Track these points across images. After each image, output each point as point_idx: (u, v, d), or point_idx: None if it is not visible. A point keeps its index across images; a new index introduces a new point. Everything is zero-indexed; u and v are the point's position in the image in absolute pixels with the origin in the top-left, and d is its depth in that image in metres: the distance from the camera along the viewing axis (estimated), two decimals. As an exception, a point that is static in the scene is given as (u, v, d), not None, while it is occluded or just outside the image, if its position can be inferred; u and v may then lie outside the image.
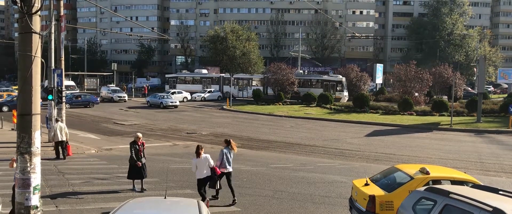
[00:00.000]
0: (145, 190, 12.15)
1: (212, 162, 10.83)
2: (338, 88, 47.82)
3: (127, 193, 11.78)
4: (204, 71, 58.40)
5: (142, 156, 12.15)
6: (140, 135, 12.57)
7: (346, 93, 47.88)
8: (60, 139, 17.09)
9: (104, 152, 19.75)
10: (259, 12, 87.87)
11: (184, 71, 65.40)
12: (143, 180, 12.26)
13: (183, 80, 58.30)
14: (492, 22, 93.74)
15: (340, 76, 49.60)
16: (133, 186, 12.26)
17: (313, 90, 47.06)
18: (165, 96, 44.52)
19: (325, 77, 50.36)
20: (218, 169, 10.91)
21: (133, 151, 12.02)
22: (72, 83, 54.53)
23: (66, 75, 42.09)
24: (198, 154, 10.77)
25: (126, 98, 50.17)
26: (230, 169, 11.29)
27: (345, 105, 40.15)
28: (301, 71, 54.77)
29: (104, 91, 51.86)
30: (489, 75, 70.09)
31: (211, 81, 56.13)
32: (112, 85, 60.54)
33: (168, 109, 41.43)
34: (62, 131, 17.22)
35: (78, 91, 52.45)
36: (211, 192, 11.32)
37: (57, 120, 18.24)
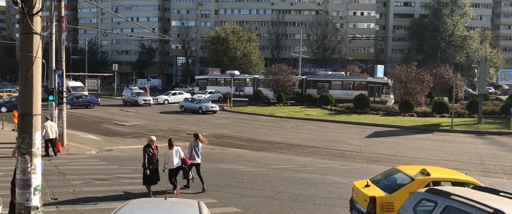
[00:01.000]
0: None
1: (182, 154, 12.12)
2: (383, 91, 44.01)
3: (128, 194, 11.77)
4: (236, 72, 54.76)
5: (156, 160, 11.64)
6: (154, 138, 11.84)
7: (392, 96, 44.05)
8: (50, 137, 17.54)
9: (105, 153, 19.75)
10: (260, 13, 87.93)
11: (215, 72, 62.35)
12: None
13: (214, 82, 55.54)
14: (493, 23, 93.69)
15: (386, 78, 46.34)
16: (149, 192, 11.71)
17: (355, 93, 42.11)
18: (203, 101, 42.02)
19: (370, 78, 46.53)
20: (188, 160, 12.28)
21: (146, 156, 11.40)
22: (80, 84, 53.21)
23: (67, 76, 41.99)
24: (170, 146, 11.97)
25: (152, 101, 46.09)
26: (198, 160, 12.55)
27: (346, 106, 40.03)
28: (342, 73, 51.45)
29: (126, 95, 47.48)
30: (490, 77, 70.10)
31: (244, 83, 52.66)
32: (135, 87, 57.14)
33: (186, 113, 39.49)
34: (53, 129, 17.68)
35: (86, 92, 50.82)
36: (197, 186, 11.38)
37: (47, 119, 18.30)
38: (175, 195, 11.52)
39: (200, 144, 12.70)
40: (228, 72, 55.28)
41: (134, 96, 45.68)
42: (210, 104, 39.94)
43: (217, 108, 39.47)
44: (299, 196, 12.09)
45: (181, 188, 12.30)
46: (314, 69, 75.45)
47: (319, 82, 48.16)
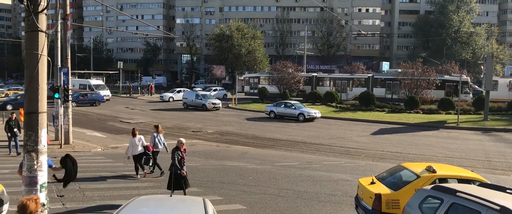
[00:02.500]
0: None
1: (145, 142, 13.69)
2: (463, 90, 38.40)
3: (133, 191, 11.81)
4: (290, 70, 49.06)
5: (184, 164, 11.07)
6: (183, 140, 11.26)
7: (471, 95, 40.18)
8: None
9: (110, 150, 19.83)
10: (265, 10, 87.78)
11: (266, 70, 56.89)
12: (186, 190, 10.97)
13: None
14: (499, 19, 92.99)
15: (465, 76, 41.74)
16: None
17: (428, 92, 38.45)
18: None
19: (447, 77, 41.41)
20: (151, 148, 13.79)
21: (176, 159, 10.73)
22: (101, 82, 53.57)
23: (73, 74, 42.15)
24: (134, 134, 13.56)
25: (220, 104, 40.52)
26: (159, 148, 14.17)
27: (351, 103, 39.90)
28: (413, 70, 46.26)
29: (189, 97, 41.70)
30: (496, 73, 69.59)
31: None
32: (199, 89, 53.26)
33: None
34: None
35: (108, 91, 50.52)
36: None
37: None
38: (138, 179, 13.34)
39: (161, 134, 14.33)
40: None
41: (201, 99, 40.12)
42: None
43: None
44: (304, 193, 12.08)
45: (148, 173, 13.89)
46: (319, 66, 75.31)
47: (388, 81, 43.21)
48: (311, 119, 32.00)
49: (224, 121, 31.64)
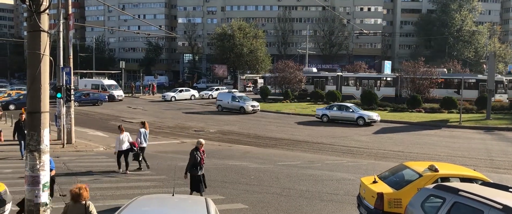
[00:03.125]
0: None
1: (131, 138, 14.46)
2: (497, 90, 37.42)
3: (135, 190, 11.83)
4: (339, 71, 47.45)
5: (203, 164, 10.92)
6: (203, 141, 11.14)
7: (507, 95, 38.45)
8: None
9: (112, 149, 19.80)
10: (267, 10, 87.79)
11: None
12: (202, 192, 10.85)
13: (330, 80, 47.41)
14: (502, 18, 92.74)
15: (500, 76, 40.46)
16: None
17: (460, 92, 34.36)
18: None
19: (480, 76, 39.83)
20: (137, 144, 14.30)
21: (192, 160, 10.58)
22: (114, 82, 53.03)
23: (75, 73, 42.15)
24: (121, 131, 14.16)
25: (259, 108, 37.35)
26: (145, 144, 14.73)
27: (353, 102, 39.82)
28: (445, 70, 44.06)
29: (224, 99, 38.49)
30: (499, 72, 69.45)
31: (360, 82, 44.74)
32: (235, 91, 49.97)
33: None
34: None
35: (121, 91, 50.51)
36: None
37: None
38: (124, 174, 13.75)
39: (147, 131, 14.94)
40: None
41: (238, 101, 36.82)
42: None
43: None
44: (306, 192, 12.07)
45: (134, 170, 14.34)
46: (321, 66, 75.24)
47: (417, 80, 40.08)
48: (371, 123, 28.88)
49: (225, 120, 31.65)
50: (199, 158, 10.60)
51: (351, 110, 30.06)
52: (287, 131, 26.37)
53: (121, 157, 14.09)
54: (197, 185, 10.63)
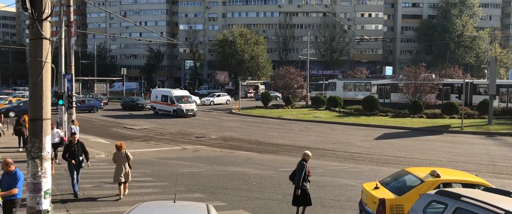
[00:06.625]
0: None
1: (61, 134, 17.43)
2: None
3: (137, 197, 11.81)
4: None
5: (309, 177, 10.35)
6: (309, 153, 10.58)
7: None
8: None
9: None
10: (268, 16, 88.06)
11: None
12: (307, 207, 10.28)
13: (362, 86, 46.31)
14: (502, 23, 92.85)
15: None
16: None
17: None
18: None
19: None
20: (65, 139, 16.92)
21: (302, 174, 10.05)
22: (186, 92, 41.95)
23: (77, 80, 42.25)
24: (51, 128, 14.28)
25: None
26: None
27: (354, 108, 39.81)
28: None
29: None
30: (500, 77, 69.38)
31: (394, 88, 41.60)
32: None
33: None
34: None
35: (193, 104, 40.07)
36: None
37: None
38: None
39: (77, 127, 17.98)
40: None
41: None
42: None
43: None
44: (308, 198, 12.02)
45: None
46: (322, 71, 75.33)
47: (480, 87, 38.54)
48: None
49: (227, 126, 31.65)
50: (306, 171, 10.19)
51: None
52: (289, 137, 26.35)
53: (55, 150, 15.91)
54: (305, 199, 10.07)
